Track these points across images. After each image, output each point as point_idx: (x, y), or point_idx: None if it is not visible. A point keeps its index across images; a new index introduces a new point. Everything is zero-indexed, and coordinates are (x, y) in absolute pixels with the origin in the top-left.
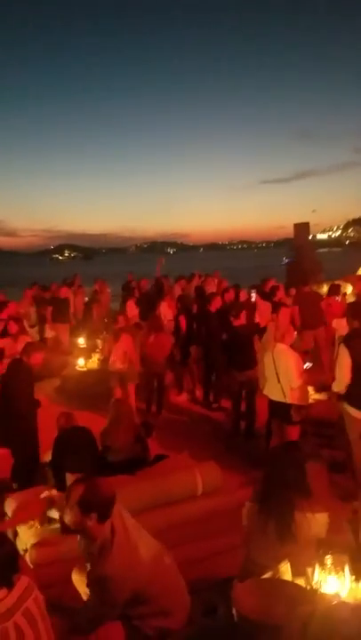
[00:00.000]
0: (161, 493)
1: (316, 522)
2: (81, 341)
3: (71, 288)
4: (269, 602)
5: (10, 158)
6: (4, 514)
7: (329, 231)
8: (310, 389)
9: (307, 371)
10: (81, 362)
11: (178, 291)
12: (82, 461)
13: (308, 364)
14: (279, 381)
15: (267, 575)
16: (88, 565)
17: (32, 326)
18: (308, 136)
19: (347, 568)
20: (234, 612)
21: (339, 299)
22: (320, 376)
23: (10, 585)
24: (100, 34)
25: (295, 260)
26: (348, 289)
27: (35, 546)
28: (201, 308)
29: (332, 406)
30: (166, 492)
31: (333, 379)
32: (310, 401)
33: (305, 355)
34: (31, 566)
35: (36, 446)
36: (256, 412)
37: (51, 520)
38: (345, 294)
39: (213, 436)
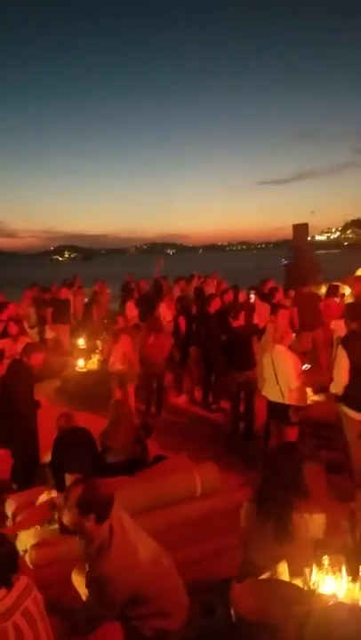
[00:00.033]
0: (160, 494)
1: (314, 523)
2: (81, 342)
3: (71, 289)
4: (267, 602)
5: (10, 159)
6: (5, 515)
7: (328, 232)
8: (309, 391)
9: (305, 372)
10: (81, 363)
11: (177, 292)
12: (81, 462)
13: (306, 366)
14: (278, 382)
15: (264, 576)
16: (87, 566)
17: (32, 327)
18: (308, 137)
19: (344, 569)
20: (232, 612)
21: (337, 300)
22: (318, 377)
23: (9, 585)
24: (100, 34)
25: (294, 262)
26: (347, 290)
27: (34, 546)
28: (200, 309)
29: (331, 407)
30: (165, 492)
31: (331, 380)
32: (309, 402)
33: (303, 356)
34: (31, 567)
35: (35, 447)
36: (255, 413)
37: (50, 521)
38: (343, 295)
39: (212, 437)
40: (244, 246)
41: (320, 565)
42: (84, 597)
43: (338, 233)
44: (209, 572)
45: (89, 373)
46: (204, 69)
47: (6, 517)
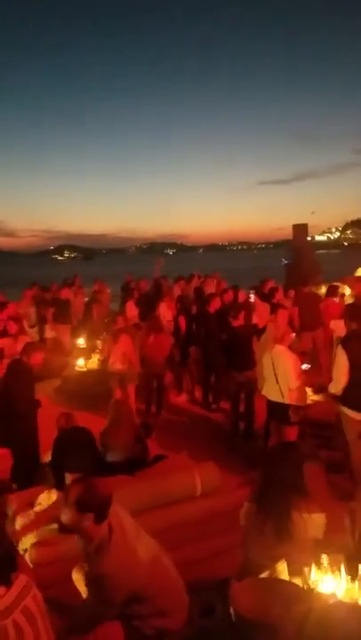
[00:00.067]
0: (160, 494)
1: (314, 522)
2: (81, 342)
3: (71, 289)
4: (266, 601)
5: (10, 158)
6: (5, 514)
7: (328, 233)
8: (308, 390)
9: (305, 372)
10: (81, 362)
11: (177, 291)
12: (81, 462)
13: (306, 366)
14: (278, 382)
15: (264, 574)
16: (86, 565)
17: (32, 326)
18: (308, 137)
19: (343, 568)
20: (231, 611)
21: (337, 300)
22: (318, 377)
23: (8, 583)
24: (100, 34)
25: (294, 262)
26: (347, 290)
27: (34, 545)
28: (200, 309)
29: (331, 407)
30: (166, 492)
31: (331, 380)
32: (308, 402)
33: (303, 356)
34: (30, 565)
35: (36, 446)
36: (255, 413)
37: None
38: (343, 295)
39: (212, 437)
40: (244, 246)
41: (319, 564)
42: (84, 596)
43: (338, 233)
44: (209, 571)
45: (89, 373)
46: (204, 69)
47: (6, 517)
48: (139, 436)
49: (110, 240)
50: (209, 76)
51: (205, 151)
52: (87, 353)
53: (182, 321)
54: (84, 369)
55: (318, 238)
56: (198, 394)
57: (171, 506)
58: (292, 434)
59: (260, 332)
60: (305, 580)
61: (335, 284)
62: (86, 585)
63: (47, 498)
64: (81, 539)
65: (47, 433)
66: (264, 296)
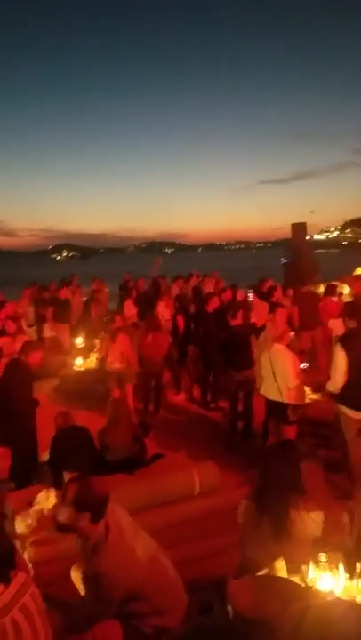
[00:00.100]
0: (159, 493)
1: (312, 520)
2: (79, 341)
3: (69, 288)
4: (264, 598)
5: (9, 158)
6: (3, 514)
7: (327, 232)
8: (307, 389)
9: (303, 371)
10: (79, 362)
11: (175, 290)
12: (79, 460)
13: (305, 364)
14: (276, 381)
15: (262, 572)
16: (83, 564)
17: (30, 326)
18: (307, 137)
19: (341, 566)
20: (229, 608)
21: (335, 299)
22: (317, 376)
23: (6, 581)
24: (100, 34)
25: (292, 261)
26: (345, 289)
27: (33, 544)
28: (198, 308)
29: (329, 406)
30: (164, 491)
31: (329, 378)
32: (307, 401)
33: (301, 355)
34: (29, 564)
35: (34, 445)
36: (253, 412)
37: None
38: (341, 294)
39: (211, 436)
40: (242, 245)
41: (317, 562)
42: (82, 594)
43: (337, 232)
44: (208, 570)
45: (87, 372)
46: (204, 69)
47: (5, 516)
48: (137, 435)
49: (109, 239)
50: (209, 76)
51: (205, 151)
52: (85, 352)
53: (180, 320)
54: (83, 368)
55: (317, 237)
56: (197, 393)
57: (169, 505)
58: (290, 433)
59: (258, 331)
60: (303, 578)
61: (334, 283)
62: (84, 583)
63: (45, 497)
64: (79, 537)
65: (45, 432)
66: (263, 295)
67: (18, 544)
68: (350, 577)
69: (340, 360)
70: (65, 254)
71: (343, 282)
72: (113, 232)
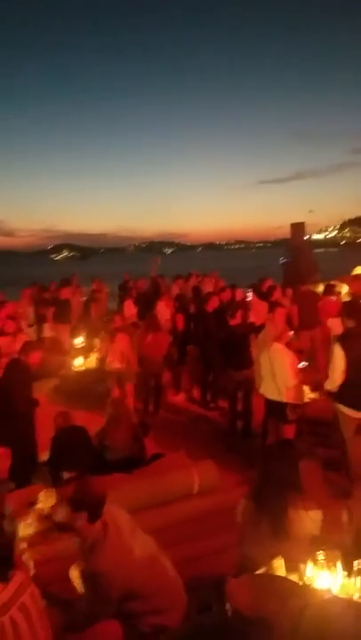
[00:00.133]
0: (158, 492)
1: (310, 519)
2: (79, 341)
3: (69, 288)
4: (263, 597)
5: (9, 159)
6: (3, 514)
7: (325, 231)
8: (306, 389)
9: (302, 370)
10: (79, 361)
11: (175, 290)
12: (79, 460)
13: (304, 364)
14: (275, 380)
15: (260, 571)
16: (82, 563)
17: (30, 326)
18: (307, 136)
19: (339, 564)
20: (227, 607)
21: (334, 298)
22: (316, 375)
23: (5, 580)
24: (100, 34)
25: (291, 261)
26: (343, 289)
27: (33, 543)
28: (198, 308)
29: (328, 405)
30: (163, 490)
31: (327, 377)
32: (306, 400)
33: (300, 354)
34: (29, 563)
35: (33, 445)
36: (253, 412)
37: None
38: (339, 293)
39: (210, 436)
40: (242, 245)
41: (315, 560)
42: (81, 593)
43: (336, 232)
44: (207, 569)
45: (87, 372)
46: (203, 69)
47: (4, 517)
48: (136, 434)
49: (109, 239)
50: (208, 76)
51: (205, 150)
52: (85, 352)
53: (180, 320)
54: (82, 368)
55: (316, 237)
56: (196, 393)
57: (169, 504)
58: (289, 432)
59: (257, 330)
60: (301, 577)
61: (332, 282)
62: (82, 582)
63: (45, 497)
64: (77, 537)
65: (45, 432)
66: (262, 294)
67: (17, 544)
68: (348, 575)
69: (339, 359)
70: (65, 254)
71: (342, 281)
72: (113, 232)
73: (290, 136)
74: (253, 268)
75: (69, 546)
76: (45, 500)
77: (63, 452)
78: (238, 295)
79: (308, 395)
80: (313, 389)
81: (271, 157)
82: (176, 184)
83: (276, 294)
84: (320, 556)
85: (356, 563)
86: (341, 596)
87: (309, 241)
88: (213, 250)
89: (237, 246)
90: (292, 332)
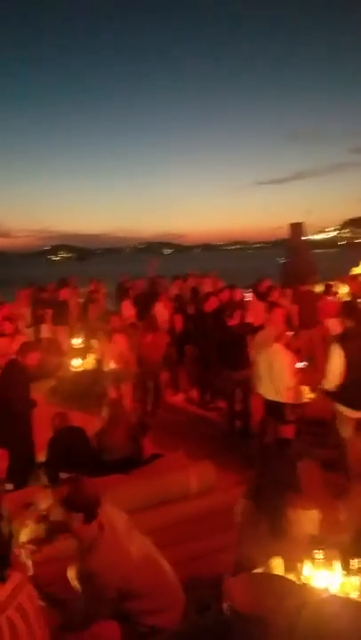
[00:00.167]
0: (156, 493)
1: (308, 518)
2: (76, 342)
3: (68, 289)
4: (260, 595)
5: (5, 159)
6: (1, 515)
7: (325, 232)
8: (305, 389)
9: (301, 370)
10: (76, 362)
11: (174, 291)
12: (76, 461)
13: (303, 364)
14: (273, 381)
15: (258, 570)
16: (78, 563)
17: (27, 327)
18: (306, 137)
19: (337, 563)
20: (225, 605)
21: (332, 298)
22: (314, 375)
23: (2, 580)
24: (100, 34)
25: (290, 261)
26: (343, 289)
27: (31, 544)
28: (196, 309)
29: (326, 405)
30: (162, 491)
31: (325, 376)
32: (304, 400)
33: (299, 354)
34: (29, 562)
35: (31, 446)
36: (251, 412)
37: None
38: (337, 293)
39: (209, 436)
40: (240, 246)
41: (313, 559)
42: (78, 594)
43: (335, 232)
44: (206, 569)
45: (84, 373)
46: (201, 69)
47: (1, 517)
48: (135, 435)
49: (107, 240)
50: (206, 76)
51: (203, 151)
52: (83, 353)
53: (178, 320)
54: (80, 369)
55: (315, 237)
56: (195, 393)
57: (167, 504)
58: (288, 432)
59: (255, 330)
60: (299, 575)
61: (331, 282)
62: (79, 582)
63: (42, 498)
64: (73, 537)
65: (42, 433)
66: (260, 295)
67: (15, 544)
68: (346, 574)
69: (337, 359)
70: (62, 255)
71: (341, 281)
72: (110, 233)
73: (288, 136)
74: (252, 268)
75: (68, 547)
76: (43, 500)
77: (60, 452)
78: (237, 295)
79: (307, 395)
80: (312, 389)
81: (269, 157)
82: (174, 184)
83: (275, 295)
84: (318, 555)
85: (353, 562)
86: (339, 594)
87: (308, 241)
88: (212, 250)
89: (236, 247)
90: (290, 333)
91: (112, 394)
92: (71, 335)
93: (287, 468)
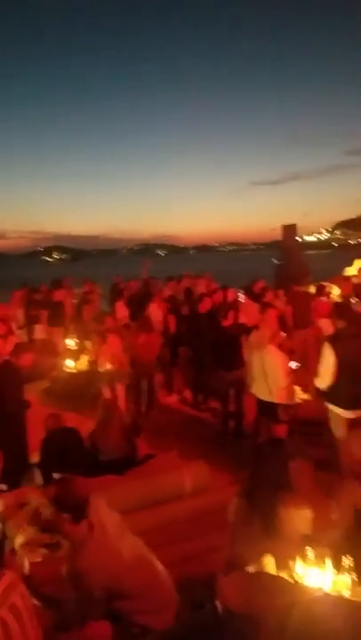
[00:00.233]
0: (150, 493)
1: (301, 517)
2: (70, 343)
3: (62, 290)
4: (253, 594)
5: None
6: None
7: (318, 233)
8: (298, 389)
9: (294, 370)
10: (70, 363)
11: (167, 292)
12: (69, 462)
13: (296, 364)
14: (267, 381)
15: (250, 568)
16: (68, 563)
17: (20, 328)
18: (300, 139)
19: (329, 561)
20: (217, 604)
21: (324, 299)
22: (307, 376)
23: None
24: (100, 34)
25: (283, 262)
26: (334, 290)
27: (24, 544)
28: (190, 310)
29: (319, 405)
30: (155, 491)
31: (317, 376)
32: (298, 400)
33: (292, 354)
34: (25, 562)
35: (25, 447)
36: (244, 412)
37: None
38: (329, 294)
39: (203, 436)
40: (235, 247)
41: (305, 558)
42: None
43: (328, 234)
44: (199, 569)
45: (78, 374)
46: (199, 71)
47: None
48: (128, 436)
49: (102, 241)
50: (204, 78)
51: (199, 152)
52: (76, 354)
53: (172, 321)
54: (74, 370)
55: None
56: (188, 394)
57: (160, 505)
58: (281, 432)
59: (248, 331)
60: (290, 574)
61: (324, 283)
62: (69, 582)
63: (35, 498)
64: (64, 537)
65: (36, 434)
66: (254, 296)
67: (8, 545)
68: (338, 572)
69: (329, 359)
70: (56, 256)
71: (333, 282)
72: (105, 234)
73: (283, 138)
74: (246, 269)
75: (61, 546)
76: (36, 501)
77: (54, 453)
78: (230, 296)
79: (300, 395)
80: (305, 390)
81: (265, 159)
82: (169, 186)
83: (269, 295)
84: (310, 553)
85: (345, 560)
86: (331, 593)
87: (300, 243)
88: (207, 252)
89: (231, 248)
90: (284, 334)
91: (106, 395)
92: (66, 336)
93: (280, 468)
